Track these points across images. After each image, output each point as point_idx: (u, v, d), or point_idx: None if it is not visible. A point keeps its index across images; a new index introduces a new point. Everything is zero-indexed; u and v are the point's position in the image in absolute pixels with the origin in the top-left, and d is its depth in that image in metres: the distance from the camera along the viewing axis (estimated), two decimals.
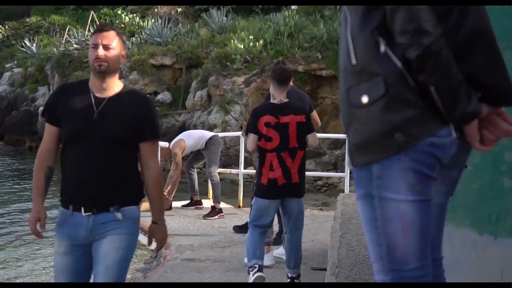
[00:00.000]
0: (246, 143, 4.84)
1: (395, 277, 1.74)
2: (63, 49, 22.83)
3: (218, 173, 7.74)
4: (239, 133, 7.23)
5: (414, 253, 1.73)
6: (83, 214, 2.77)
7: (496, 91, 1.75)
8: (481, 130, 1.77)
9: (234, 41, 17.66)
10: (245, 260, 4.78)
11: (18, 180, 15.84)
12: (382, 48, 1.68)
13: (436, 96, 1.66)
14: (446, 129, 1.71)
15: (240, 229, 6.68)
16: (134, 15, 25.52)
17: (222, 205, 7.66)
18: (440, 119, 1.70)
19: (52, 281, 3.05)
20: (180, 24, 23.04)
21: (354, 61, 1.71)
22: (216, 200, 7.49)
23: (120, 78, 2.90)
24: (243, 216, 7.34)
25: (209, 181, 7.69)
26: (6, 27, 28.64)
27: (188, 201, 8.10)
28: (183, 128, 18.63)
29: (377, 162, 1.71)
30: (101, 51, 2.76)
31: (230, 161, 14.16)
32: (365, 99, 1.70)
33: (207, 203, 8.07)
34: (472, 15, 1.72)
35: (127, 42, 21.74)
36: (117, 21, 25.30)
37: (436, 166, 1.74)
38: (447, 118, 1.69)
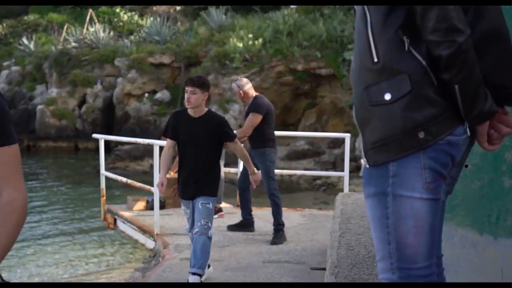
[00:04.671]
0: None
1: (403, 276, 1.75)
2: (61, 47, 22.81)
3: None
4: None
5: (423, 252, 1.74)
6: None
7: (506, 91, 1.77)
8: (488, 130, 1.79)
9: (233, 40, 17.65)
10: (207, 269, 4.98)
11: None
12: (407, 46, 1.69)
13: (458, 95, 1.68)
14: (461, 128, 1.73)
15: (235, 227, 6.67)
16: (133, 13, 25.50)
17: (221, 204, 7.63)
18: (457, 117, 1.72)
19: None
20: (179, 23, 23.02)
21: (375, 59, 1.72)
22: (217, 197, 7.43)
23: None
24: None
25: None
26: (4, 25, 28.59)
27: None
28: None
29: (394, 160, 1.71)
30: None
31: (229, 160, 14.14)
32: (388, 97, 1.70)
33: None
34: (487, 15, 1.74)
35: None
36: (115, 20, 25.29)
37: (449, 165, 1.77)
38: (465, 117, 1.71)
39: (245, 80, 6.35)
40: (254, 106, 6.12)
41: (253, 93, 6.24)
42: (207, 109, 4.77)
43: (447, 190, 1.91)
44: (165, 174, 4.76)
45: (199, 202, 4.66)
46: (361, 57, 1.77)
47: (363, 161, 1.78)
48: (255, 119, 6.08)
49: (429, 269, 1.76)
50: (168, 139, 4.81)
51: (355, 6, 1.82)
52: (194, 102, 4.62)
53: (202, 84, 4.63)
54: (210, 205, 4.70)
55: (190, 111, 4.70)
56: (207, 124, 4.68)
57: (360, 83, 1.77)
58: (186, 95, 4.65)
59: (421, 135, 1.68)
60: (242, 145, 4.93)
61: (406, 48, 1.69)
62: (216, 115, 4.87)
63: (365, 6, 1.75)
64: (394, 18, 1.70)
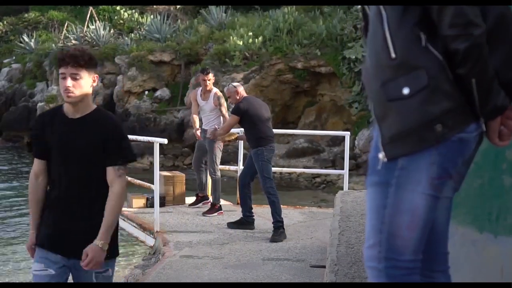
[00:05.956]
0: None
1: (388, 266, 1.79)
2: (62, 45, 22.77)
3: None
4: (237, 130, 7.21)
5: (412, 246, 1.79)
6: None
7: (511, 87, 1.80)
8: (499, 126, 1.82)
9: (233, 38, 17.64)
10: None
11: (16, 177, 15.83)
12: (423, 42, 1.74)
13: (475, 89, 1.72)
14: (473, 125, 1.77)
15: (235, 225, 6.68)
16: (133, 11, 25.48)
17: (221, 202, 7.64)
18: (470, 114, 1.76)
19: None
20: (179, 21, 23.00)
21: (393, 55, 1.75)
22: (216, 197, 7.45)
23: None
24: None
25: (210, 177, 7.61)
26: (5, 22, 28.57)
27: (194, 199, 7.97)
28: (182, 124, 18.62)
29: (408, 154, 1.74)
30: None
31: (229, 157, 14.16)
32: (406, 91, 1.74)
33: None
34: (490, 15, 1.76)
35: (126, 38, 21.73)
36: (115, 17, 25.27)
37: (458, 164, 1.80)
38: (480, 111, 1.75)
39: (237, 83, 6.89)
40: (234, 108, 6.57)
41: (244, 95, 6.58)
42: (95, 106, 2.89)
43: (455, 187, 1.94)
44: (36, 224, 2.89)
45: (93, 274, 2.82)
46: (377, 55, 1.80)
47: (381, 155, 1.79)
48: (231, 120, 6.55)
49: (414, 263, 1.80)
50: (35, 160, 2.90)
51: (368, 6, 1.84)
52: (80, 93, 2.76)
53: (89, 60, 2.80)
54: (110, 272, 2.93)
55: (67, 109, 2.84)
56: (95, 128, 2.80)
57: (377, 80, 1.80)
58: (63, 83, 2.76)
59: (438, 128, 1.72)
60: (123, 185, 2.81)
61: (423, 44, 1.73)
62: (109, 116, 2.91)
63: (381, 5, 1.78)
64: (410, 15, 1.74)
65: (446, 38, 1.71)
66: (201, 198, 7.86)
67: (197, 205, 7.80)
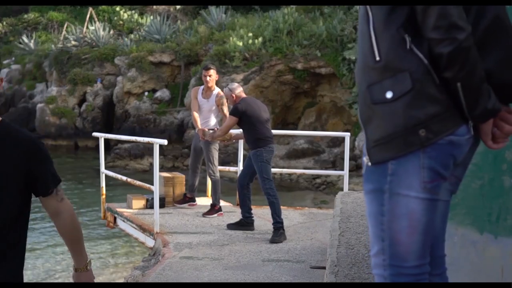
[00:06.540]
0: None
1: (394, 273, 1.78)
2: (61, 45, 22.79)
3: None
4: (237, 131, 7.20)
5: (415, 251, 1.77)
6: None
7: (509, 89, 1.77)
8: (492, 128, 1.79)
9: (233, 38, 17.63)
10: None
11: None
12: (408, 45, 1.70)
13: (461, 93, 1.68)
14: (463, 128, 1.74)
15: (235, 226, 6.68)
16: (133, 11, 25.49)
17: (221, 203, 7.62)
18: (459, 117, 1.72)
19: None
20: (178, 21, 23.01)
21: (377, 58, 1.73)
22: (216, 198, 7.43)
23: None
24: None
25: (209, 179, 7.58)
26: (4, 23, 28.57)
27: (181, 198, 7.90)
28: (182, 125, 18.62)
29: (395, 158, 1.72)
30: None
31: (229, 158, 14.16)
32: (389, 95, 1.71)
33: (205, 201, 8.03)
34: (488, 14, 1.75)
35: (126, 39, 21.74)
36: (115, 18, 25.27)
37: (450, 166, 1.77)
38: (469, 115, 1.72)
39: (236, 84, 6.72)
40: (232, 109, 6.51)
41: (242, 96, 6.52)
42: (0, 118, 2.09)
43: (452, 189, 1.92)
44: None
45: None
46: (364, 56, 1.78)
47: (365, 159, 1.78)
48: (230, 121, 6.48)
49: (419, 269, 1.79)
50: None
51: (359, 6, 1.82)
52: None
53: None
54: None
55: None
56: (8, 149, 2.04)
57: (363, 82, 1.78)
58: None
59: (422, 132, 1.69)
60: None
61: (408, 47, 1.70)
62: (20, 133, 2.10)
63: (367, 6, 1.76)
64: (396, 17, 1.71)
65: (430, 41, 1.67)
66: (189, 199, 7.82)
67: (182, 205, 7.73)
